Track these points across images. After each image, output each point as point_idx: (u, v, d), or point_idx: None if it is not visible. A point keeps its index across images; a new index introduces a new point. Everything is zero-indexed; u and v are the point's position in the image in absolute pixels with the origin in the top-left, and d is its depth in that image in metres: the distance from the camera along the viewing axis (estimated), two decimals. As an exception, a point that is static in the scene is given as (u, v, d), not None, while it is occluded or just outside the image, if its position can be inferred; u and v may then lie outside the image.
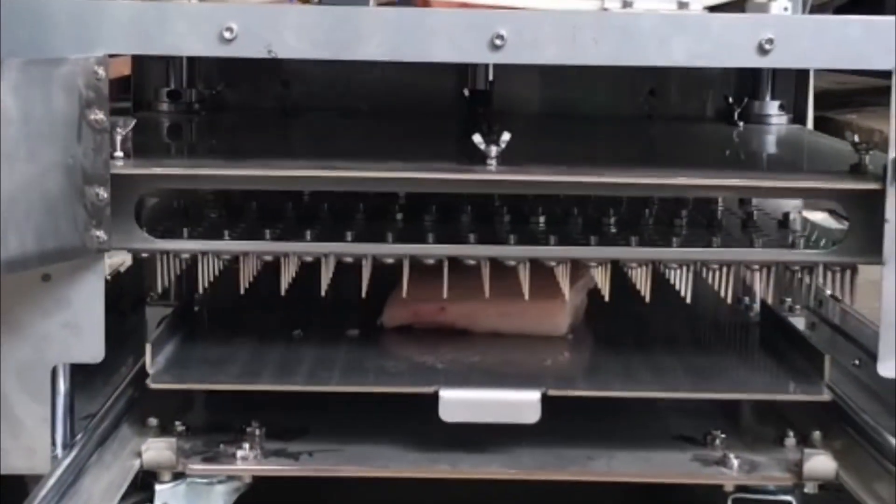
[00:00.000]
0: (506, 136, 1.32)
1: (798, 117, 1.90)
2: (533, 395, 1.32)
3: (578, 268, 1.50)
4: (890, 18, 1.26)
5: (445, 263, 1.36)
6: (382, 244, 1.35)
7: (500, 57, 1.26)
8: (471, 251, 1.35)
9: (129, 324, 1.73)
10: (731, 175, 1.36)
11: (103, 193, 1.24)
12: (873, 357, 1.34)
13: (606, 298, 1.38)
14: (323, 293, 1.36)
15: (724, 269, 1.36)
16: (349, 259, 1.36)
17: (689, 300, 1.37)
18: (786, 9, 1.74)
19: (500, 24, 1.25)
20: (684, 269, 1.37)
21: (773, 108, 1.90)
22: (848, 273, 1.35)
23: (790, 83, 1.88)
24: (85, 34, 1.23)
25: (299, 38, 1.25)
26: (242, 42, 1.25)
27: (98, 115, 1.23)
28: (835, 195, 1.33)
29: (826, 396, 1.38)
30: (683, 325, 1.64)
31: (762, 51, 1.26)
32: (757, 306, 1.74)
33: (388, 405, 1.40)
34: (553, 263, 1.36)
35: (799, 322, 1.74)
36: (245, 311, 1.66)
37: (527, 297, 1.37)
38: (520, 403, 1.32)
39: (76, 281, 1.26)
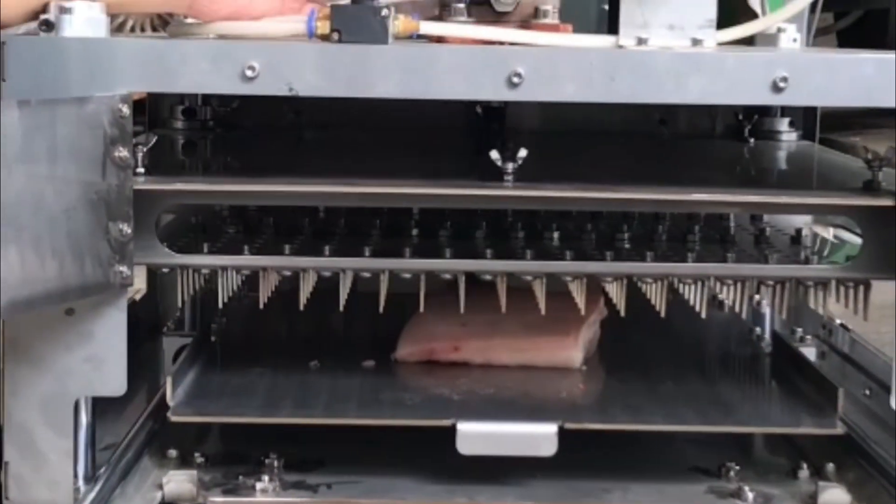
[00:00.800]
0: (522, 153, 1.34)
1: (807, 134, 1.92)
2: (550, 429, 1.33)
3: (592, 300, 1.52)
4: (904, 56, 1.28)
5: (462, 279, 1.38)
6: (400, 259, 1.37)
7: (518, 94, 1.28)
8: (487, 266, 1.37)
9: (144, 353, 1.75)
10: (744, 192, 1.38)
11: (126, 229, 1.26)
12: (883, 387, 1.36)
13: (622, 313, 1.39)
14: (341, 308, 1.37)
15: (739, 285, 1.37)
16: (367, 274, 1.38)
17: (703, 317, 1.39)
18: (795, 40, 1.77)
19: (517, 62, 1.27)
20: (699, 284, 1.38)
21: (782, 124, 1.92)
22: (861, 289, 1.36)
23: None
24: (108, 73, 1.25)
25: (319, 75, 1.27)
26: (264, 80, 1.27)
27: (122, 153, 1.25)
28: (849, 211, 1.35)
29: (840, 430, 1.39)
30: (696, 356, 1.66)
31: (776, 88, 1.27)
32: (768, 336, 1.76)
33: (405, 436, 1.40)
34: (569, 279, 1.38)
35: (810, 352, 1.75)
36: (262, 340, 1.68)
37: (543, 311, 1.38)
38: (537, 436, 1.33)
39: (99, 315, 1.28)
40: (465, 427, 1.33)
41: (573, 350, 1.56)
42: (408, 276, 1.38)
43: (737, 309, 1.40)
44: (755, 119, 1.91)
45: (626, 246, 1.47)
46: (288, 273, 1.38)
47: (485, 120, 1.84)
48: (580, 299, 1.39)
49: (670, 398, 1.47)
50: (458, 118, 1.87)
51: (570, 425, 1.34)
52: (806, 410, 1.44)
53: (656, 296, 1.38)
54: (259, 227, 1.53)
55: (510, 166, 1.34)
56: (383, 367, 1.56)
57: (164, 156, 1.47)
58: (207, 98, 1.92)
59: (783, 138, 1.91)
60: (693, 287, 1.39)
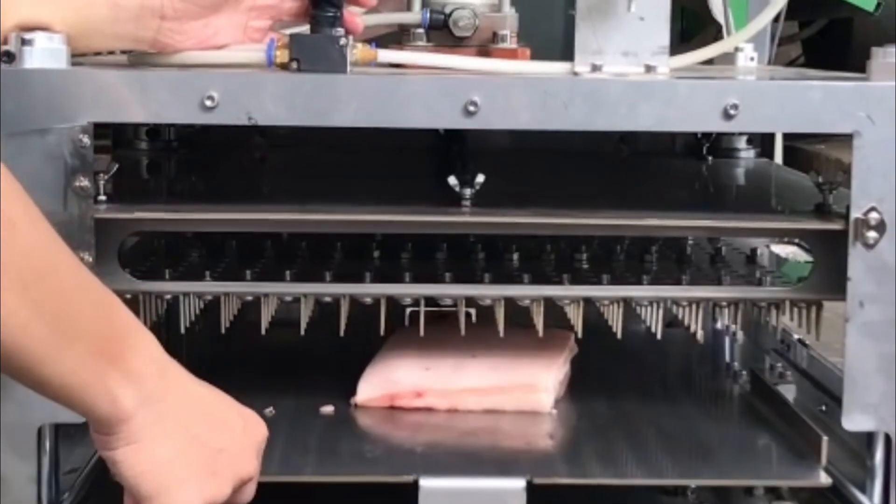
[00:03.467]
0: (480, 178, 1.36)
1: (765, 151, 1.95)
2: (518, 484, 1.29)
3: (562, 337, 1.53)
4: (852, 84, 1.31)
5: (422, 304, 1.40)
6: (361, 284, 1.39)
7: (474, 122, 1.30)
8: (447, 291, 1.40)
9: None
10: (699, 216, 1.41)
11: (88, 258, 1.27)
12: (839, 402, 1.38)
13: (579, 335, 1.42)
14: (302, 332, 1.39)
15: (694, 306, 1.41)
16: (328, 299, 1.40)
17: (658, 338, 1.41)
18: (752, 59, 1.80)
19: (474, 91, 1.29)
20: (655, 306, 1.42)
21: (740, 142, 1.96)
22: (813, 309, 1.40)
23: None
24: (69, 104, 1.26)
25: (278, 105, 1.29)
26: (224, 109, 1.28)
27: (83, 182, 1.26)
28: (800, 235, 1.39)
29: (825, 483, 1.36)
30: (671, 396, 1.64)
31: (727, 116, 1.30)
32: (745, 374, 1.75)
33: (366, 489, 1.35)
34: (527, 302, 1.40)
35: (789, 389, 1.71)
36: (222, 375, 1.67)
37: (502, 334, 1.40)
38: (504, 492, 1.29)
39: (61, 342, 1.29)
40: (427, 483, 1.29)
41: (543, 394, 1.52)
42: (369, 301, 1.40)
43: (691, 329, 1.42)
44: (713, 137, 1.93)
45: (585, 266, 1.50)
46: (250, 298, 1.40)
47: (446, 141, 1.86)
48: (539, 322, 1.41)
49: (645, 445, 1.43)
50: (420, 138, 1.87)
51: (539, 480, 1.30)
52: (788, 459, 1.42)
53: (613, 318, 1.41)
54: (222, 248, 1.54)
55: (468, 192, 1.37)
56: (343, 414, 1.52)
57: (127, 179, 1.48)
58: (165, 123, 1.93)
59: (741, 156, 1.95)
60: (649, 309, 1.42)
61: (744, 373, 1.74)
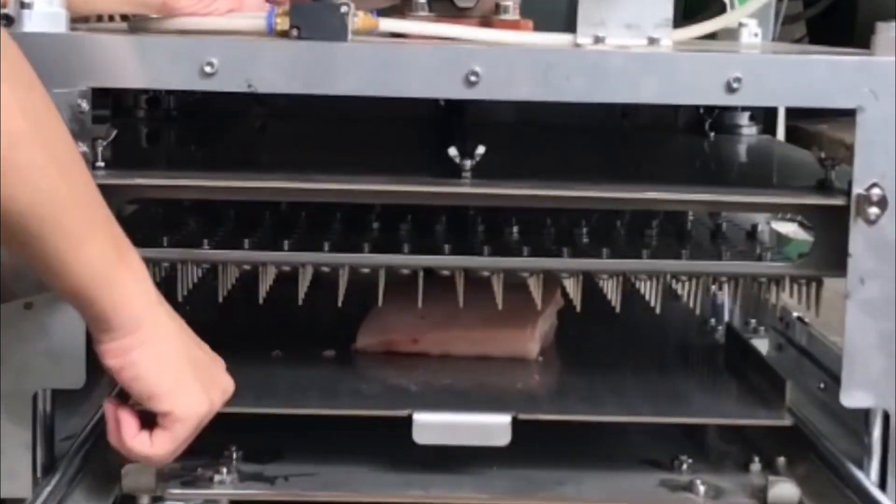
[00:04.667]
0: (480, 150, 1.36)
1: (768, 128, 1.94)
2: (503, 419, 1.35)
3: (548, 291, 1.54)
4: (856, 58, 1.30)
5: (420, 274, 1.41)
6: (359, 254, 1.39)
7: (475, 93, 1.29)
8: (445, 262, 1.40)
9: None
10: (699, 190, 1.40)
11: (85, 224, 1.26)
12: (836, 380, 1.38)
13: (578, 309, 1.42)
14: (300, 302, 1.41)
15: (693, 281, 1.41)
16: (326, 269, 1.40)
17: (658, 312, 1.42)
18: (756, 34, 1.79)
19: (475, 61, 1.28)
20: (654, 280, 1.41)
21: (743, 118, 1.95)
22: (814, 285, 1.40)
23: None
24: (67, 68, 1.26)
25: (278, 72, 1.28)
26: (223, 76, 1.28)
27: (81, 148, 1.25)
28: (801, 210, 1.39)
29: (787, 421, 1.41)
30: (651, 348, 1.68)
31: (730, 89, 1.29)
32: (722, 328, 1.78)
33: (363, 426, 1.42)
34: (526, 275, 1.40)
35: (763, 343, 1.77)
36: (223, 331, 1.68)
37: (500, 306, 1.41)
38: (491, 427, 1.36)
39: (57, 309, 1.29)
40: (420, 417, 1.35)
41: (530, 342, 1.58)
42: (367, 271, 1.40)
43: (691, 304, 1.42)
44: (716, 113, 1.92)
45: (585, 240, 1.49)
46: (247, 267, 1.39)
47: (446, 113, 1.85)
48: (537, 295, 1.41)
49: (624, 389, 1.49)
50: (421, 108, 1.88)
51: (523, 416, 1.36)
52: (755, 402, 1.46)
53: (612, 291, 1.41)
54: (220, 217, 1.54)
55: (468, 163, 1.36)
56: (343, 357, 1.57)
57: (126, 147, 1.47)
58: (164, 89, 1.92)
59: (743, 132, 1.94)
60: (648, 283, 1.41)
61: (719, 328, 1.79)
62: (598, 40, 1.38)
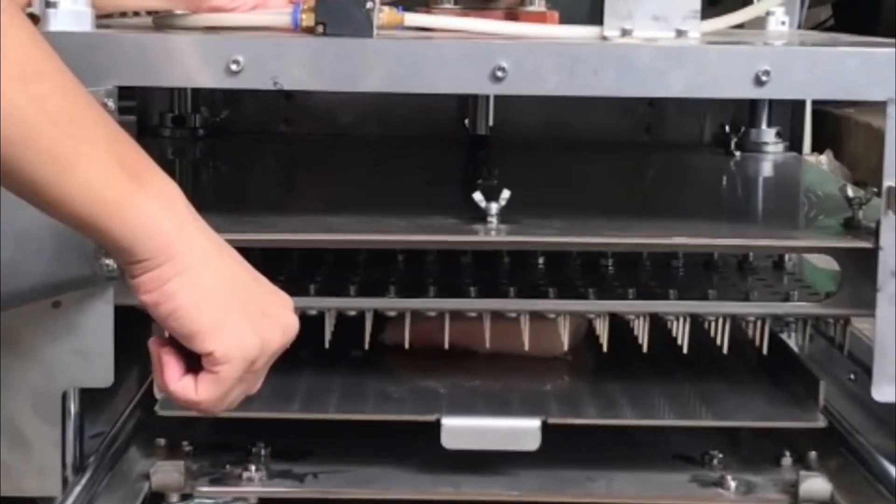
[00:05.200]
0: (505, 194, 1.36)
1: (794, 144, 1.93)
2: (533, 424, 1.35)
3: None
4: (887, 50, 1.28)
5: (447, 317, 1.42)
6: (386, 299, 1.40)
7: (502, 88, 1.28)
8: (472, 305, 1.40)
9: (133, 339, 1.76)
10: (726, 234, 1.41)
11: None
12: (867, 371, 1.37)
13: (605, 349, 1.42)
14: (327, 346, 1.41)
15: (720, 320, 1.41)
16: (352, 312, 1.40)
17: (685, 350, 1.42)
18: (783, 23, 1.77)
19: (502, 56, 1.27)
20: (681, 319, 1.41)
21: (769, 135, 1.93)
22: (840, 323, 1.41)
23: (787, 109, 1.91)
24: (93, 67, 1.25)
25: (304, 70, 1.27)
26: (249, 74, 1.27)
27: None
28: (829, 252, 1.39)
29: (821, 423, 1.40)
30: (680, 346, 1.66)
31: (759, 82, 1.28)
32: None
33: (392, 426, 1.42)
34: (553, 316, 1.41)
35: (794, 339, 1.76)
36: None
37: (527, 348, 1.43)
38: (520, 431, 1.35)
39: (85, 308, 1.29)
40: (449, 422, 1.35)
41: (559, 339, 1.54)
42: (393, 314, 1.42)
43: (718, 341, 1.43)
44: (742, 132, 1.91)
45: (611, 271, 1.51)
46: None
47: (471, 146, 1.86)
48: (564, 335, 1.44)
49: (651, 391, 1.48)
50: (447, 127, 1.89)
51: (553, 420, 1.36)
52: (788, 402, 1.45)
53: (640, 330, 1.41)
54: (248, 255, 1.52)
55: (494, 207, 1.36)
56: (371, 356, 1.54)
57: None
58: (197, 106, 1.92)
59: (769, 149, 1.92)
60: (676, 322, 1.42)
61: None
62: (625, 33, 1.37)
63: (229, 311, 0.99)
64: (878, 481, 1.34)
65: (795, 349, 1.58)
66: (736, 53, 1.28)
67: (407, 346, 1.44)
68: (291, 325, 1.04)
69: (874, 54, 1.28)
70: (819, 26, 4.42)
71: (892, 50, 1.28)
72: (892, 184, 1.28)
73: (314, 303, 1.39)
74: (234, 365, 0.99)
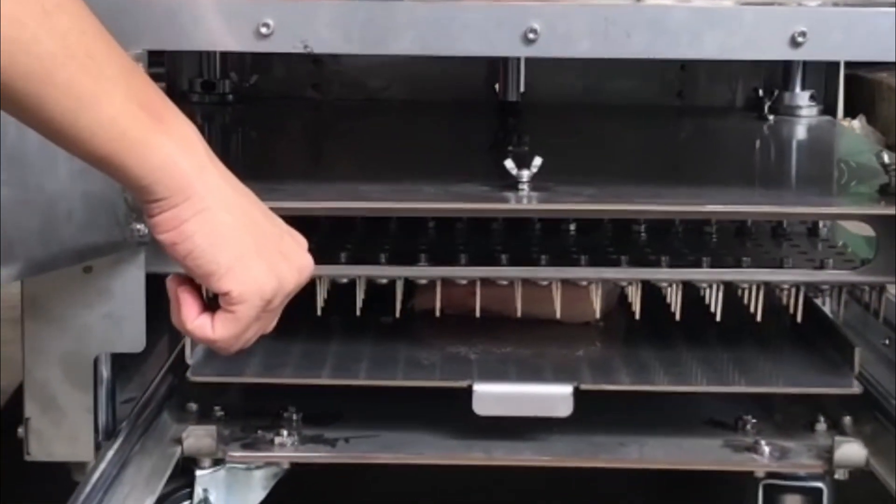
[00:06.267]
0: (537, 161, 1.35)
1: (828, 108, 1.91)
2: (565, 390, 1.34)
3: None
4: (920, 10, 1.27)
5: (478, 284, 1.41)
6: (417, 267, 1.39)
7: (534, 51, 1.27)
8: (503, 273, 1.40)
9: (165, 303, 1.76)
10: (760, 201, 1.40)
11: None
12: (903, 337, 1.36)
13: (637, 317, 1.41)
14: (358, 314, 1.40)
15: (754, 287, 1.40)
16: (383, 280, 1.40)
17: (718, 317, 1.40)
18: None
19: (533, 18, 1.26)
20: (715, 286, 1.40)
21: (803, 98, 1.90)
22: (876, 291, 1.40)
23: (821, 73, 1.89)
24: (122, 31, 1.23)
25: (333, 32, 1.27)
26: (278, 37, 1.26)
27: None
28: (865, 219, 1.37)
29: (856, 390, 1.38)
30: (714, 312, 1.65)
31: (794, 43, 1.26)
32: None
33: (423, 391, 1.41)
34: (585, 283, 1.40)
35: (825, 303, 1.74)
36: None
37: (558, 315, 1.42)
38: (553, 397, 1.35)
39: (117, 273, 1.29)
40: (481, 388, 1.34)
41: (591, 301, 1.52)
42: (424, 282, 1.41)
43: (752, 309, 1.41)
44: (775, 95, 1.88)
45: (643, 237, 1.50)
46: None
47: (501, 112, 1.84)
48: (597, 303, 1.42)
49: (687, 356, 1.47)
50: (477, 90, 1.88)
51: (585, 386, 1.35)
52: (823, 368, 1.44)
53: (673, 298, 1.41)
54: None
55: (525, 174, 1.35)
56: (401, 322, 1.53)
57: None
58: (226, 71, 1.92)
59: (803, 113, 1.90)
60: (709, 290, 1.40)
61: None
62: (657, -7, 1.35)
63: (246, 252, 1.00)
64: (913, 445, 1.33)
65: (830, 315, 1.56)
66: (771, 14, 1.27)
67: (438, 314, 1.43)
68: (307, 265, 1.05)
69: (910, 15, 1.26)
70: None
71: (929, 10, 1.26)
72: (929, 147, 1.27)
73: (345, 271, 1.39)
74: (251, 304, 1.00)
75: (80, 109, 0.92)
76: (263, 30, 1.26)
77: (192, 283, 1.01)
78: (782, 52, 1.27)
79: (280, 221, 1.05)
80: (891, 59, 1.28)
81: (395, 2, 1.27)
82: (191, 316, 1.01)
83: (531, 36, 1.26)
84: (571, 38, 1.27)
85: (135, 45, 1.25)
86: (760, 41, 1.27)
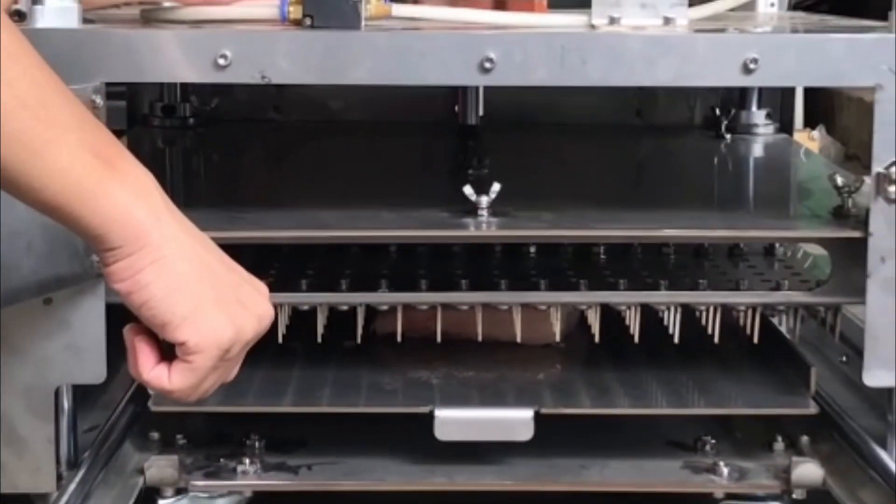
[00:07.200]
0: (495, 187, 1.36)
1: (784, 125, 1.94)
2: (526, 414, 1.35)
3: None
4: (874, 36, 1.29)
5: (439, 309, 1.42)
6: (378, 294, 1.40)
7: (490, 80, 1.28)
8: (464, 298, 1.41)
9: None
10: (716, 226, 1.41)
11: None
12: (859, 354, 1.38)
13: (597, 339, 1.43)
14: (319, 340, 1.41)
15: (711, 309, 1.42)
16: (344, 307, 1.41)
17: (677, 339, 1.42)
18: (773, 4, 1.78)
19: (489, 47, 1.27)
20: (673, 308, 1.42)
21: (759, 117, 1.93)
22: (831, 312, 1.42)
23: (777, 91, 1.91)
24: (81, 64, 1.25)
25: (292, 63, 1.27)
26: (237, 68, 1.27)
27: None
28: (819, 242, 1.39)
29: (812, 410, 1.40)
30: (672, 333, 1.66)
31: (747, 70, 1.28)
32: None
33: (386, 417, 1.42)
34: (544, 307, 1.42)
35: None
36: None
37: (519, 339, 1.44)
38: (513, 422, 1.36)
39: (77, 304, 1.29)
40: (442, 414, 1.35)
41: (552, 325, 1.53)
42: (385, 308, 1.42)
43: (710, 330, 1.43)
44: (731, 114, 1.91)
45: (603, 258, 1.52)
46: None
47: (460, 135, 1.86)
48: (557, 325, 1.44)
49: (647, 378, 1.48)
50: (436, 113, 1.90)
51: (546, 410, 1.36)
52: (780, 388, 1.46)
53: (632, 320, 1.42)
54: (240, 251, 1.51)
55: (484, 200, 1.37)
56: (364, 347, 1.53)
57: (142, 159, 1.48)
58: (187, 94, 1.92)
59: (760, 131, 1.92)
60: (667, 312, 1.42)
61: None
62: (613, 21, 1.37)
63: (203, 301, 0.99)
64: (869, 466, 1.34)
65: (787, 334, 1.58)
66: (724, 42, 1.28)
67: (399, 339, 1.44)
68: (266, 314, 1.05)
69: (861, 41, 1.28)
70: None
71: (879, 36, 1.28)
72: (882, 170, 1.29)
73: (306, 298, 1.39)
74: (208, 354, 1.00)
75: (32, 159, 0.92)
76: (221, 61, 1.26)
77: (148, 332, 1.01)
78: (735, 79, 1.29)
79: (239, 269, 1.05)
80: (842, 84, 1.30)
81: (352, 32, 1.28)
82: (147, 366, 1.02)
83: (487, 65, 1.27)
84: (528, 67, 1.28)
85: (93, 78, 1.25)
86: (714, 68, 1.28)
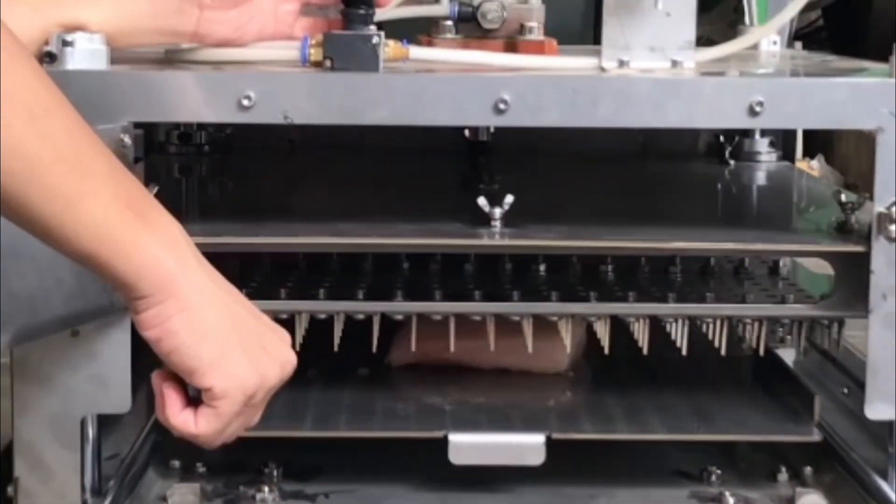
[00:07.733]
0: (509, 199, 1.40)
1: (787, 154, 1.98)
2: (537, 439, 1.39)
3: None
4: (875, 80, 1.33)
5: (452, 319, 1.44)
6: (392, 303, 1.43)
7: (504, 120, 1.32)
8: (476, 308, 1.44)
9: (148, 361, 1.80)
10: (722, 239, 1.45)
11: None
12: (860, 385, 1.41)
13: (606, 351, 1.46)
14: (336, 348, 1.44)
15: (718, 322, 1.45)
16: (360, 316, 1.44)
17: (684, 351, 1.45)
18: (775, 42, 1.82)
19: (504, 89, 1.31)
20: (680, 321, 1.45)
21: (762, 145, 1.97)
22: (835, 325, 1.44)
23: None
24: (110, 104, 1.29)
25: (313, 104, 1.32)
26: (260, 109, 1.31)
27: (124, 182, 1.29)
28: (822, 256, 1.42)
29: (816, 437, 1.45)
30: (678, 361, 1.69)
31: (753, 112, 1.32)
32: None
33: (401, 443, 1.46)
34: (555, 318, 1.44)
35: (789, 353, 1.79)
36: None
37: (530, 349, 1.46)
38: (525, 447, 1.40)
39: (103, 336, 1.32)
40: (456, 438, 1.39)
41: (560, 353, 1.60)
42: (400, 317, 1.45)
43: (716, 343, 1.46)
44: (735, 141, 1.96)
45: (611, 276, 1.55)
46: (284, 316, 1.40)
47: (471, 152, 1.90)
48: (567, 337, 1.46)
49: (653, 405, 1.52)
50: (448, 140, 1.92)
51: (556, 435, 1.40)
52: (784, 416, 1.50)
53: (640, 332, 1.45)
54: (254, 264, 1.56)
55: (497, 212, 1.41)
56: (377, 375, 1.60)
57: (162, 191, 1.50)
58: (203, 122, 1.96)
59: (763, 159, 1.97)
60: (675, 325, 1.45)
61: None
62: (622, 64, 1.41)
63: (228, 348, 1.04)
64: (871, 497, 1.38)
65: (790, 364, 1.62)
66: (730, 85, 1.33)
67: (413, 347, 1.48)
68: (289, 361, 1.10)
69: (863, 85, 1.32)
70: (809, 26, 4.46)
71: (880, 80, 1.32)
72: (883, 209, 1.33)
73: (323, 306, 1.42)
74: (233, 400, 1.04)
75: (67, 210, 0.96)
76: (245, 102, 1.30)
77: (175, 378, 1.06)
78: (741, 122, 1.33)
79: (263, 316, 1.10)
80: (844, 126, 1.35)
81: (370, 74, 1.32)
82: (174, 411, 1.06)
83: (502, 106, 1.31)
84: (541, 108, 1.32)
85: (121, 118, 1.29)
86: (720, 111, 1.32)
